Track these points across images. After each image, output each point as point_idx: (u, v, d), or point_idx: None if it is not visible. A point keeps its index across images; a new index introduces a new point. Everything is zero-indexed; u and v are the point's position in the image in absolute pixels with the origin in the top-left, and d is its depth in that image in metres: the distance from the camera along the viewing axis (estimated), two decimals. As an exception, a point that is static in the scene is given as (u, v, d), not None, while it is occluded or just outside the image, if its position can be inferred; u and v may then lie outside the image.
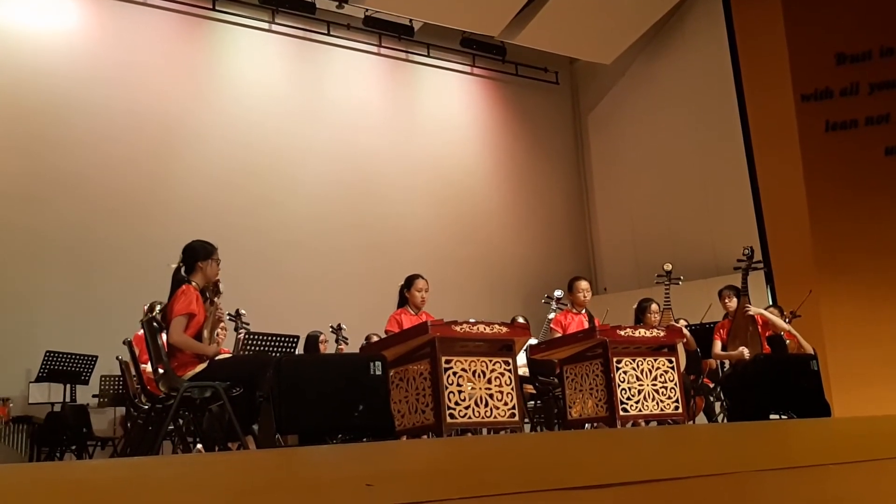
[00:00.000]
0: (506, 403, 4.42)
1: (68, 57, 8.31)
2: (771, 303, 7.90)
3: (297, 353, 5.65)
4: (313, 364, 3.64)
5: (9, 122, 7.86)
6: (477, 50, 10.94)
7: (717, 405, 6.48)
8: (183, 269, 4.25)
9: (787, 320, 6.30)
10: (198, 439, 4.91)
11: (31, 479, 1.62)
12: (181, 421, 5.16)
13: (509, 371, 4.47)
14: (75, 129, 8.18)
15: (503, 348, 4.54)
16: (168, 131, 8.75)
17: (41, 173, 7.93)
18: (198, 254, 4.26)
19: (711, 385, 6.54)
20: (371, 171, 9.91)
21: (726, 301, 6.17)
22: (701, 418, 6.42)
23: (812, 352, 5.63)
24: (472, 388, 4.33)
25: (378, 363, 3.24)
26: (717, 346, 6.02)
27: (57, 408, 7.03)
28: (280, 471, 1.75)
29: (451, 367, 4.28)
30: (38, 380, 6.98)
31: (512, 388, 4.46)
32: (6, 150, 7.79)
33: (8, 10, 8.09)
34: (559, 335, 5.48)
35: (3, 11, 8.07)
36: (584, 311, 5.75)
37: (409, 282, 5.31)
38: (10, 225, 7.66)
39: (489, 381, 4.41)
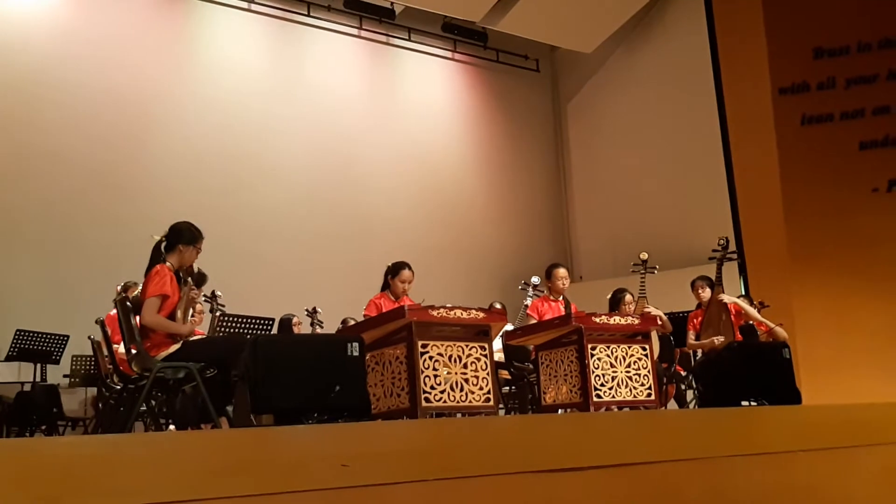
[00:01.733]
0: (481, 388, 4.44)
1: (42, 33, 8.15)
2: (743, 293, 7.99)
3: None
4: (290, 344, 3.63)
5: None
6: (458, 35, 10.90)
7: (689, 393, 6.56)
8: (164, 245, 4.22)
9: (756, 310, 6.37)
10: (170, 421, 4.87)
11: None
12: (154, 402, 5.12)
13: (485, 356, 4.49)
14: (48, 107, 8.03)
15: (479, 333, 4.55)
16: (143, 111, 8.62)
17: (12, 152, 7.78)
18: (182, 236, 4.23)
19: (683, 373, 6.61)
20: (350, 155, 9.86)
21: (699, 292, 6.23)
22: (672, 405, 6.49)
23: (785, 337, 5.70)
24: (448, 373, 4.34)
25: (356, 344, 3.24)
26: (691, 336, 6.10)
27: (27, 387, 6.94)
28: (255, 450, 1.74)
29: (428, 352, 4.28)
30: (8, 359, 6.88)
31: (487, 374, 4.47)
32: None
33: (-20, -17, 7.92)
34: (535, 321, 5.51)
35: (-25, -17, 7.90)
36: (561, 298, 5.79)
37: (396, 270, 5.27)
38: (-21, 202, 7.53)
39: (465, 366, 4.42)
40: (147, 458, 1.64)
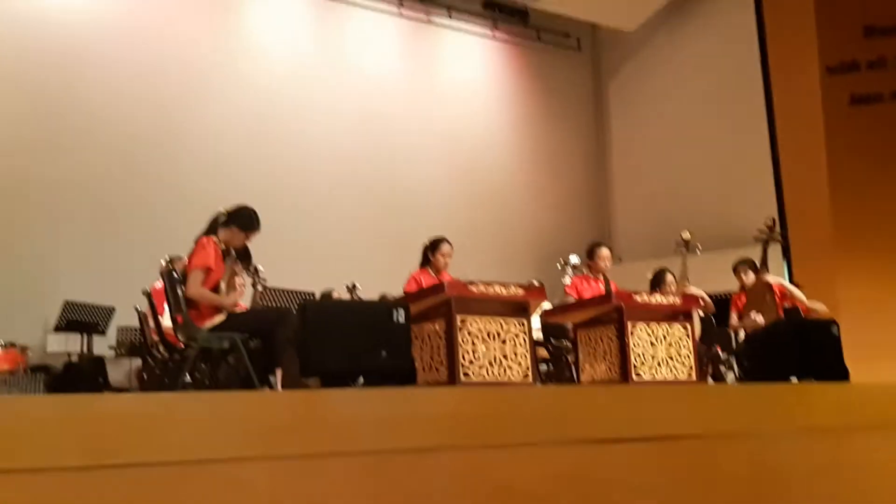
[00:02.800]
0: (520, 364, 4.43)
1: (91, 7, 8.28)
2: (787, 277, 7.86)
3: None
4: (338, 309, 3.68)
5: (30, 70, 7.86)
6: (499, 13, 10.82)
7: (730, 374, 6.48)
8: (222, 220, 4.32)
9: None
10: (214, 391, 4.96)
11: (53, 410, 1.64)
12: (198, 373, 5.22)
13: (524, 332, 4.48)
14: (94, 80, 8.18)
15: (518, 310, 4.54)
16: (188, 85, 8.73)
17: (60, 123, 7.95)
18: (239, 219, 4.36)
19: (723, 354, 6.53)
20: (389, 133, 9.87)
21: (742, 276, 6.14)
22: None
23: (825, 311, 5.62)
24: (487, 349, 4.34)
25: (401, 310, 3.28)
26: (734, 317, 6.03)
27: (74, 358, 7.12)
28: (303, 411, 1.77)
29: (466, 327, 4.29)
30: (57, 329, 7.06)
31: (526, 350, 4.47)
32: (26, 100, 7.81)
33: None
34: (574, 300, 5.48)
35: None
36: (601, 277, 5.74)
37: (435, 245, 5.29)
38: (29, 174, 7.69)
39: (503, 342, 4.42)
40: (198, 417, 1.67)
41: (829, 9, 9.06)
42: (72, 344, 7.21)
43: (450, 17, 10.57)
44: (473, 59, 10.89)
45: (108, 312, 7.09)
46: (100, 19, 8.32)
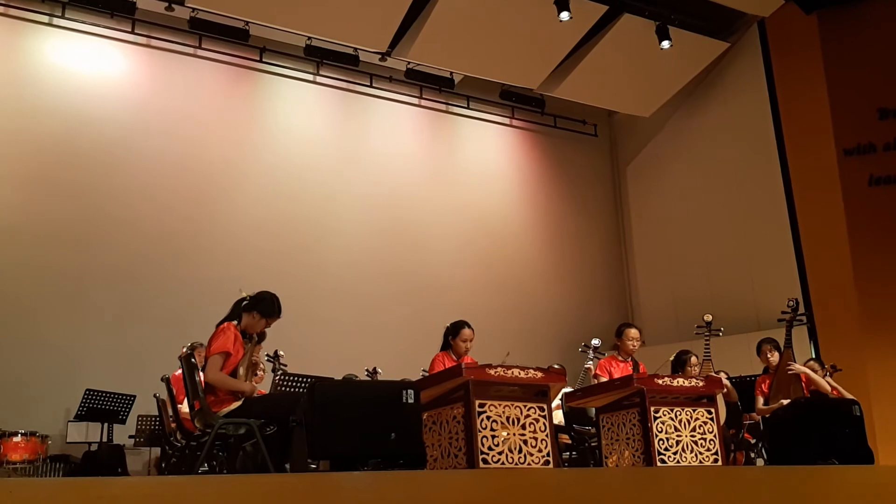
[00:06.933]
0: (540, 450, 4.35)
1: (118, 105, 8.60)
2: (813, 356, 7.72)
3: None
4: (346, 389, 3.65)
5: (58, 167, 8.12)
6: (516, 102, 11.08)
7: (759, 461, 6.29)
8: (244, 304, 4.37)
9: (827, 374, 6.17)
10: (230, 479, 4.89)
11: (67, 492, 1.63)
12: (214, 462, 5.17)
13: (544, 417, 4.42)
14: (122, 175, 8.41)
15: (538, 394, 4.49)
16: (211, 179, 8.94)
17: (87, 217, 8.14)
18: (261, 305, 4.40)
19: (752, 440, 6.37)
20: (410, 220, 10.00)
21: (768, 356, 6.05)
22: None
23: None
24: (507, 434, 4.27)
25: (411, 391, 3.25)
26: (760, 401, 5.91)
27: (94, 447, 7.09)
28: (313, 495, 1.75)
29: (485, 412, 4.24)
30: (77, 418, 7.06)
31: (546, 435, 4.39)
32: (55, 195, 8.03)
33: (63, 59, 8.44)
34: (604, 381, 5.40)
35: (58, 60, 8.42)
36: (629, 359, 5.67)
37: (456, 330, 5.26)
38: (55, 266, 7.84)
39: (523, 427, 4.35)
40: (208, 499, 1.66)
41: (842, 92, 9.22)
42: (92, 433, 7.19)
43: (468, 106, 10.85)
44: (492, 145, 11.11)
45: (128, 401, 7.09)
46: (130, 117, 8.63)
